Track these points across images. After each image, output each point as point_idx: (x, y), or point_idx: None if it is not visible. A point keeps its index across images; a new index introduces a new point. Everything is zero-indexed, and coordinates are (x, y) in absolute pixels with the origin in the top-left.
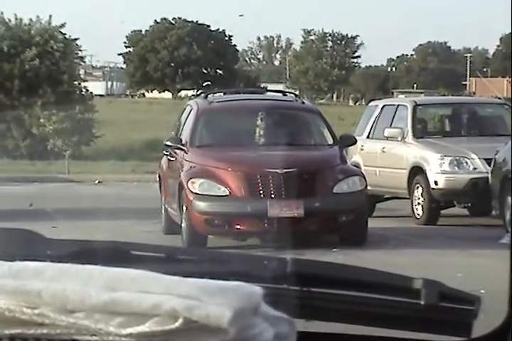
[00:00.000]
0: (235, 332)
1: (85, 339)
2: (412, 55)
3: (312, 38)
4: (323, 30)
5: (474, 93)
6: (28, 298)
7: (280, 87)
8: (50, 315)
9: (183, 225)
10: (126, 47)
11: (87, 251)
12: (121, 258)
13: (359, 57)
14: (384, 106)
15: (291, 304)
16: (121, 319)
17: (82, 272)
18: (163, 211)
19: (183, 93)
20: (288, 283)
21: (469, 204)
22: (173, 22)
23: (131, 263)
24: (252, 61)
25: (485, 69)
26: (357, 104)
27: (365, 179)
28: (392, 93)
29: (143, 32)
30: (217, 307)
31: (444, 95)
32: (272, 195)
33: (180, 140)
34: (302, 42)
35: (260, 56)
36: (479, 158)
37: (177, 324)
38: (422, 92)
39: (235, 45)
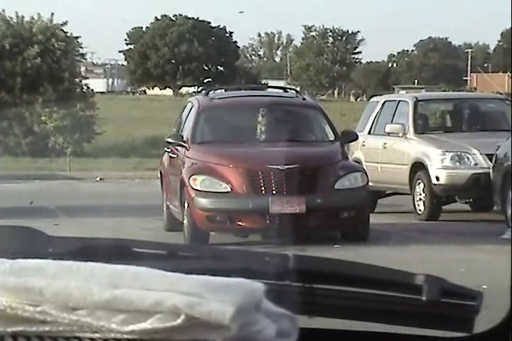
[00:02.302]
0: (237, 328)
1: (87, 336)
2: (412, 50)
3: (313, 34)
4: (323, 26)
5: (475, 88)
6: (30, 296)
7: (281, 83)
8: (53, 312)
9: (184, 222)
10: (126, 44)
11: (89, 249)
12: (123, 256)
13: (360, 53)
14: (385, 102)
15: (294, 300)
16: (123, 316)
17: (84, 269)
18: (164, 208)
19: (184, 90)
20: (290, 280)
21: (471, 200)
22: (174, 19)
23: (133, 260)
24: (253, 57)
25: (486, 65)
26: (358, 99)
27: (366, 175)
28: (393, 89)
29: (143, 29)
30: (219, 304)
31: (445, 91)
32: (274, 191)
33: (182, 137)
34: (303, 39)
35: (261, 52)
36: (481, 154)
37: (179, 321)
38: (423, 88)
39: (235, 42)
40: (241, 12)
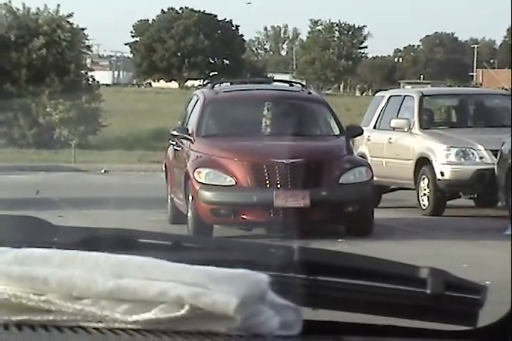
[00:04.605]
0: (241, 319)
1: (91, 325)
2: (418, 45)
3: (319, 28)
4: (330, 20)
5: (481, 84)
6: (34, 285)
7: (287, 77)
8: (57, 301)
9: (188, 215)
10: (132, 36)
11: (94, 239)
12: (128, 246)
13: (366, 47)
14: (390, 96)
15: (298, 292)
16: (127, 306)
17: (89, 259)
18: (169, 200)
19: (189, 83)
20: (294, 272)
21: (475, 195)
22: (180, 12)
23: (137, 251)
24: (259, 51)
25: (492, 61)
26: (363, 94)
27: (371, 169)
28: (399, 84)
29: (150, 21)
30: (223, 295)
31: (450, 86)
32: (278, 185)
33: (187, 130)
34: (309, 33)
35: (267, 46)
36: (485, 149)
37: (183, 311)
38: (428, 83)
39: (241, 35)
40: (248, 3)
